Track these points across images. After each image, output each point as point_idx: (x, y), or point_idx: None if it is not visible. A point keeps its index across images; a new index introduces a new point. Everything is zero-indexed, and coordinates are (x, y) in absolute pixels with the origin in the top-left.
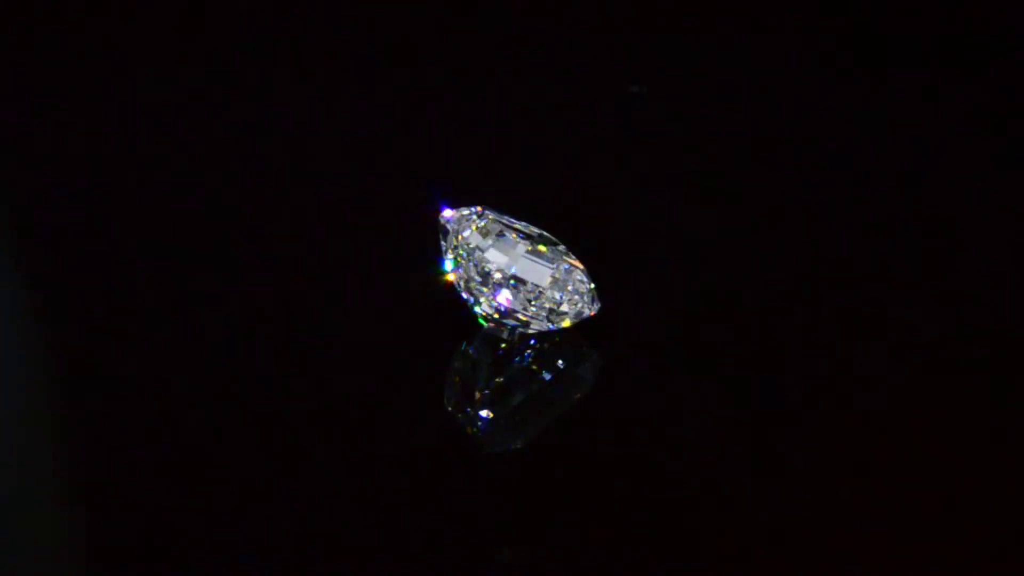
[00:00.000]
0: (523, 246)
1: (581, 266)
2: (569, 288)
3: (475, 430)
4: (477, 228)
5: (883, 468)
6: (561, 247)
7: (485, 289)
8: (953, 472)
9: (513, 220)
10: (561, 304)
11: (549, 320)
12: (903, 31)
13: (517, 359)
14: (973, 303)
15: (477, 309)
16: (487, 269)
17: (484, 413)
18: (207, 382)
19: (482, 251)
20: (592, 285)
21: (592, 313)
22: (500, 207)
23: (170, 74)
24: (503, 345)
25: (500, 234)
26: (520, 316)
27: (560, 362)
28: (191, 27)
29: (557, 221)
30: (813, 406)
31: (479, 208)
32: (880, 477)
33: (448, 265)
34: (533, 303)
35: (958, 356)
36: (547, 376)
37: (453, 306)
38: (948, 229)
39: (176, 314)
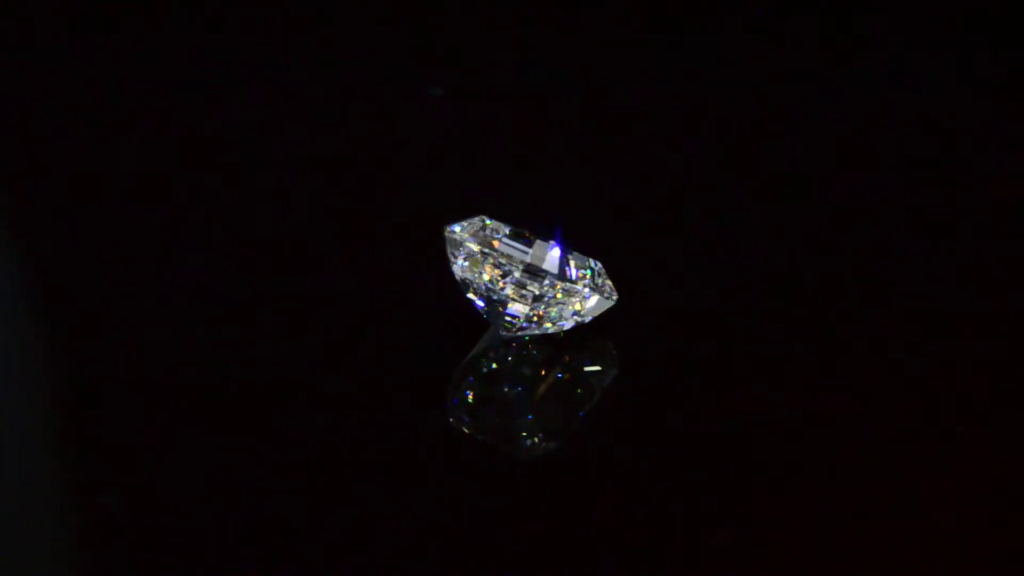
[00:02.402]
0: (539, 242)
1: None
2: (586, 278)
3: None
4: (485, 232)
5: (891, 463)
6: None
7: (502, 287)
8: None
9: (515, 228)
10: (583, 293)
11: (570, 311)
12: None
13: (531, 357)
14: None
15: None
16: (504, 265)
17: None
18: (213, 391)
19: (495, 250)
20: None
21: (612, 299)
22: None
23: (175, 81)
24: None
25: (510, 235)
26: (542, 311)
27: (576, 358)
28: (198, 31)
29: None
30: (820, 399)
31: (482, 218)
32: (892, 471)
33: (458, 272)
34: (553, 296)
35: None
36: (564, 374)
37: (463, 313)
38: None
39: (180, 317)
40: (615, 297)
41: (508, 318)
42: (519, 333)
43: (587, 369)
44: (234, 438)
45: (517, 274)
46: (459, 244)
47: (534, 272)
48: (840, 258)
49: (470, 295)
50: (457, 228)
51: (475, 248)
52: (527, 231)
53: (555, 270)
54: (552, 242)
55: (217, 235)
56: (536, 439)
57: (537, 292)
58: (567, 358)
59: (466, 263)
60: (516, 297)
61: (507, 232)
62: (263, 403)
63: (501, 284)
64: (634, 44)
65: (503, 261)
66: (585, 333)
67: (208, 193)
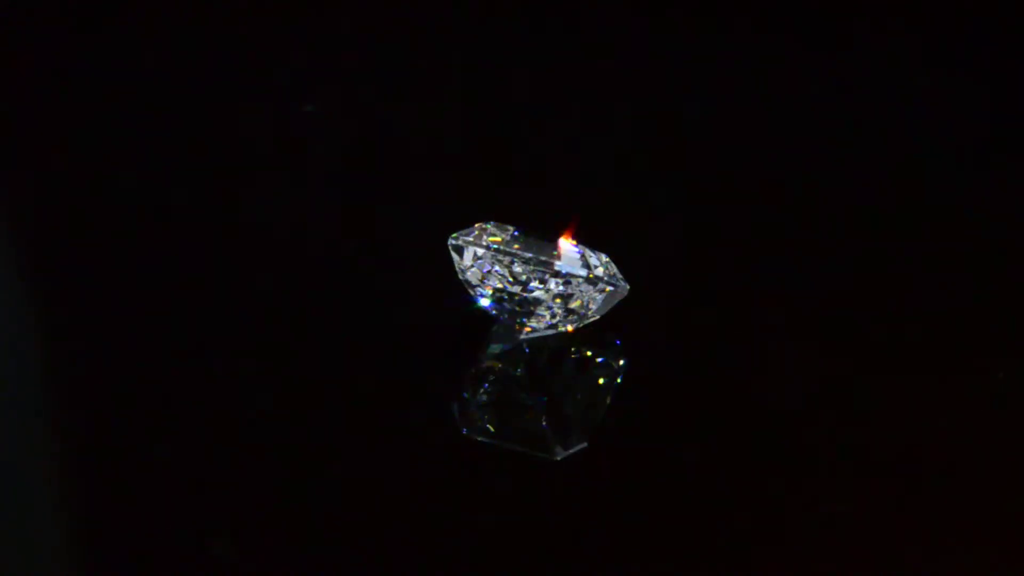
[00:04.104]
0: (552, 241)
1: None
2: (599, 270)
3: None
4: (494, 236)
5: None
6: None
7: (518, 289)
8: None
9: (522, 229)
10: (601, 287)
11: (589, 306)
12: None
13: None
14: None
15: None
16: (518, 267)
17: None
18: (215, 399)
19: (507, 253)
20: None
21: (625, 291)
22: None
23: (183, 86)
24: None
25: (519, 237)
26: (562, 309)
27: (586, 353)
28: (205, 35)
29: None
30: (829, 389)
31: (488, 223)
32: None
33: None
34: (573, 293)
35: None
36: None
37: (470, 321)
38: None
39: (181, 321)
40: (627, 288)
41: (527, 320)
42: (537, 334)
43: (599, 362)
44: (238, 447)
45: (534, 274)
46: (467, 251)
47: (552, 271)
48: (846, 248)
49: (483, 302)
50: (463, 235)
51: (485, 253)
52: (535, 231)
53: (575, 266)
54: (567, 239)
55: (218, 242)
56: (564, 439)
57: (558, 291)
58: (578, 352)
59: (476, 269)
60: (535, 298)
61: (516, 234)
62: (270, 414)
63: (517, 286)
64: (631, 35)
65: (517, 263)
66: (590, 327)
67: (209, 196)
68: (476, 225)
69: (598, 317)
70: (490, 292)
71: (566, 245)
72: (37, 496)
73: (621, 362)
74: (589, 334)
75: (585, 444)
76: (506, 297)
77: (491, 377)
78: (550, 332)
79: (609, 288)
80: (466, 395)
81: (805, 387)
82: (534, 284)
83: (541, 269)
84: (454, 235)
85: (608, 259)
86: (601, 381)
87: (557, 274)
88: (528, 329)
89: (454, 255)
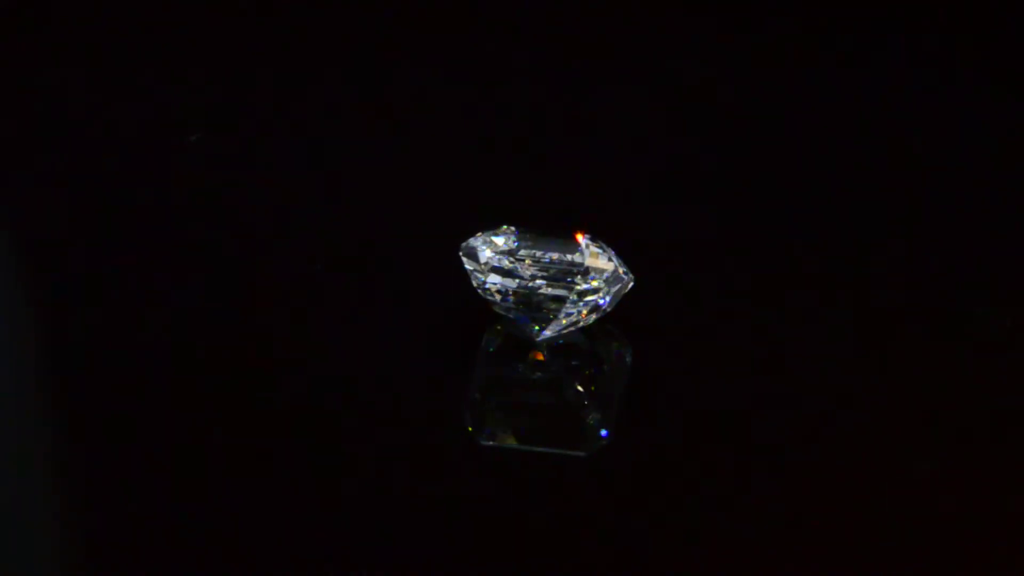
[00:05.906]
0: (562, 240)
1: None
2: (613, 263)
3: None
4: (504, 239)
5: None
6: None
7: (535, 291)
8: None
9: (530, 229)
10: (613, 281)
11: (603, 301)
12: None
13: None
14: None
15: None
16: (533, 268)
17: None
18: (220, 402)
19: (521, 256)
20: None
21: (631, 283)
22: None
23: (195, 91)
24: None
25: (530, 238)
26: (583, 307)
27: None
28: (216, 42)
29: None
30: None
31: (504, 227)
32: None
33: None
34: (589, 289)
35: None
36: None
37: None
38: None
39: (189, 323)
40: (633, 280)
41: (546, 319)
42: (555, 333)
43: (608, 356)
44: (240, 450)
45: (554, 274)
46: (481, 254)
47: (577, 269)
48: (849, 239)
49: (497, 305)
50: (474, 240)
51: (497, 257)
52: (544, 231)
53: (596, 262)
54: (580, 236)
55: (225, 243)
56: (583, 436)
57: (582, 288)
58: (587, 347)
59: (490, 272)
60: (556, 296)
61: (525, 235)
62: (277, 419)
63: (535, 287)
64: (630, 34)
65: (533, 264)
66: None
67: (214, 197)
68: (486, 230)
69: (609, 310)
70: (503, 295)
71: (581, 241)
72: (36, 496)
73: (630, 351)
74: (595, 328)
75: (609, 439)
76: (513, 297)
77: (504, 380)
78: (568, 330)
79: (621, 282)
80: (478, 398)
81: (811, 376)
82: (551, 283)
83: (563, 268)
84: (465, 241)
85: (611, 250)
86: (612, 375)
87: (582, 272)
88: (545, 328)
89: (467, 259)
